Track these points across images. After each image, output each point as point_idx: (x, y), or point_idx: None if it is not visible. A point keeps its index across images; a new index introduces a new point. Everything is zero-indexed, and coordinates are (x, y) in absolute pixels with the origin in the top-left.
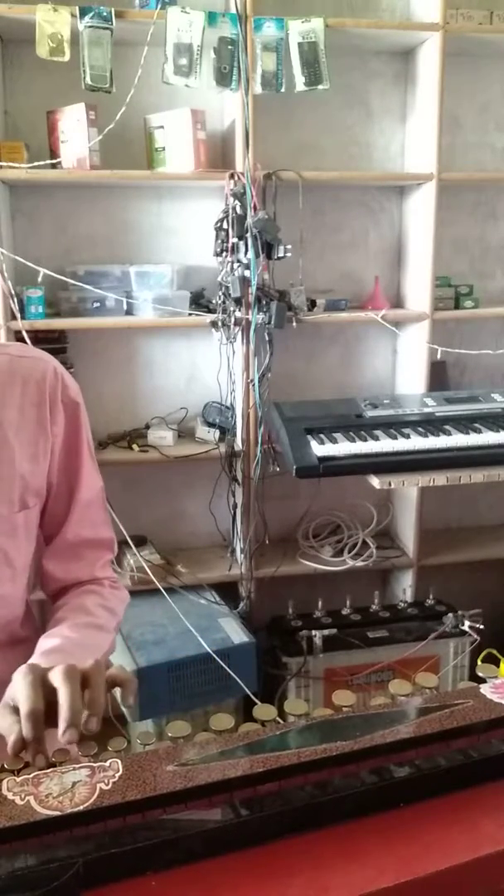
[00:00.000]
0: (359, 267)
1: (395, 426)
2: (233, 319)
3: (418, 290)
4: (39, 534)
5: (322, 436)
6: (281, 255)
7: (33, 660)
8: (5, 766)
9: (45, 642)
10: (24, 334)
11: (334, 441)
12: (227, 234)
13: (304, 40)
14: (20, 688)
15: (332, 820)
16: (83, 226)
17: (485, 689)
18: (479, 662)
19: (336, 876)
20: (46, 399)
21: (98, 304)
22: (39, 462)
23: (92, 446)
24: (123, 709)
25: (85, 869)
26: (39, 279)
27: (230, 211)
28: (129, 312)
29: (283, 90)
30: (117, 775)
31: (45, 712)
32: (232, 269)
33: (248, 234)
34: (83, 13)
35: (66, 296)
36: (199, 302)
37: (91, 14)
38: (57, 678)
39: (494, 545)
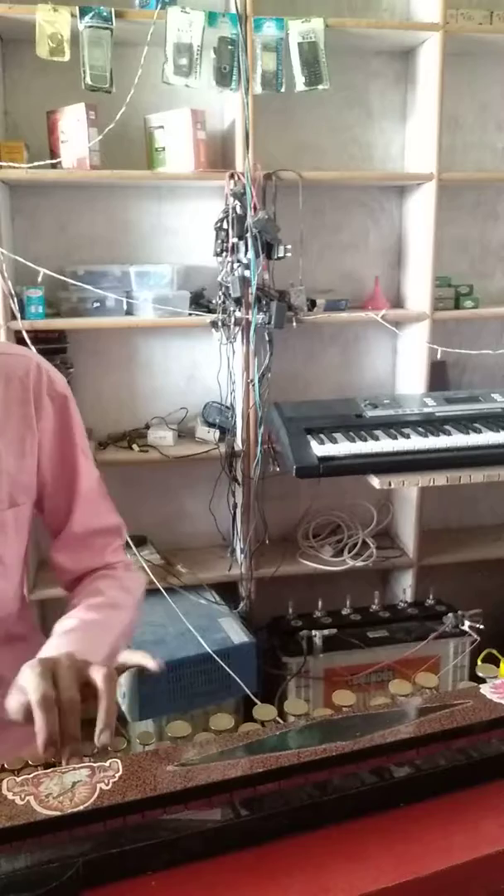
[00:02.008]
0: (359, 267)
1: (395, 426)
2: (233, 319)
3: (418, 290)
4: (32, 530)
5: (322, 436)
6: (281, 255)
7: (50, 643)
8: (5, 766)
9: (62, 624)
10: (24, 334)
11: (334, 441)
12: (227, 234)
13: (304, 40)
14: (29, 679)
15: (332, 820)
16: (83, 226)
17: (485, 689)
18: (479, 662)
19: (336, 876)
20: (31, 396)
21: (98, 304)
22: (26, 459)
23: (85, 438)
24: (123, 709)
25: (85, 869)
26: (39, 279)
27: (230, 211)
28: (129, 312)
29: (283, 90)
30: (117, 775)
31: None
32: (232, 269)
33: (248, 234)
34: (83, 13)
35: (66, 296)
36: (199, 302)
37: (91, 14)
38: (98, 678)
39: (494, 545)
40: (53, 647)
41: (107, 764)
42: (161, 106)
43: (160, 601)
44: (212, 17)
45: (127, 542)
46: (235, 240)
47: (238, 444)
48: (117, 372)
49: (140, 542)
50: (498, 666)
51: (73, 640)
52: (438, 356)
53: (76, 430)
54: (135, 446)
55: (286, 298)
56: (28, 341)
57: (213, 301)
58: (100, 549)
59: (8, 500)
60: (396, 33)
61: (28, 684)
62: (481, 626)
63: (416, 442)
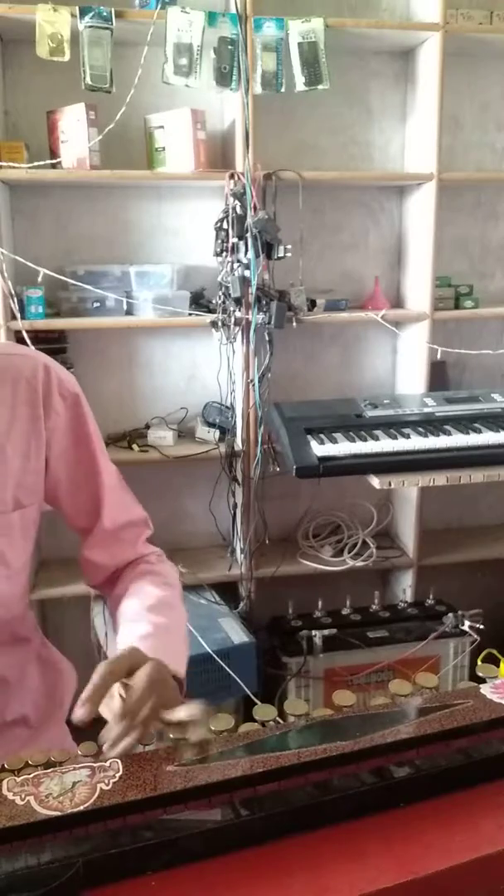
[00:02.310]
0: (359, 267)
1: (395, 426)
2: (233, 319)
3: (418, 290)
4: (36, 534)
5: (322, 436)
6: (281, 255)
7: (127, 645)
8: (5, 766)
9: (134, 628)
10: (24, 334)
11: (334, 441)
12: (227, 234)
13: (304, 40)
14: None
15: (332, 820)
16: (83, 226)
17: (485, 689)
18: (479, 662)
19: (336, 876)
20: (39, 397)
21: (98, 304)
22: (31, 461)
23: (100, 434)
24: None
25: (85, 869)
26: (39, 279)
27: (230, 211)
28: (129, 312)
29: (283, 90)
30: (117, 775)
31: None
32: (232, 269)
33: (248, 234)
34: (83, 13)
35: (66, 296)
36: (199, 302)
37: (91, 14)
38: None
39: (494, 545)
40: None
41: (107, 764)
42: (161, 106)
43: None
44: (212, 17)
45: None
46: (235, 240)
47: (238, 444)
48: (117, 372)
49: None
50: (498, 666)
51: (153, 648)
52: (438, 356)
53: (91, 428)
54: (135, 446)
55: (286, 298)
56: (28, 341)
57: (213, 301)
58: (131, 541)
59: (13, 503)
60: (396, 33)
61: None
62: (481, 626)
63: (416, 442)
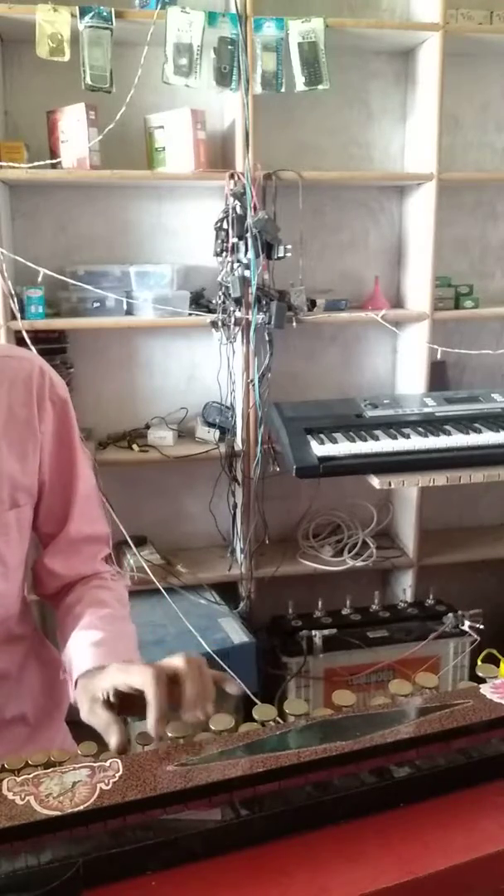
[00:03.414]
0: (359, 267)
1: (395, 426)
2: (233, 319)
3: (418, 290)
4: (33, 534)
5: (322, 436)
6: (281, 255)
7: (81, 654)
8: (5, 766)
9: (88, 634)
10: (24, 334)
11: (334, 441)
12: (227, 234)
13: (303, 40)
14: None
15: (332, 820)
16: (83, 226)
17: (485, 689)
18: (479, 662)
19: (336, 876)
20: (34, 398)
21: (98, 304)
22: (28, 461)
23: (81, 442)
24: None
25: (85, 869)
26: (39, 279)
27: (230, 211)
28: (129, 312)
29: (283, 90)
30: (117, 775)
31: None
32: (232, 269)
33: (248, 234)
34: (83, 13)
35: (66, 296)
36: (199, 302)
37: (91, 14)
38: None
39: (494, 545)
40: (88, 657)
41: (107, 764)
42: (161, 106)
43: (160, 601)
44: (212, 17)
45: (126, 542)
46: (235, 240)
47: (238, 444)
48: (117, 372)
49: (140, 542)
50: (498, 666)
51: (106, 654)
52: (438, 356)
53: (74, 435)
54: (135, 446)
55: (286, 298)
56: (28, 341)
57: (213, 301)
58: (90, 556)
59: (9, 502)
60: (396, 33)
61: (138, 675)
62: (481, 626)
63: (416, 442)
